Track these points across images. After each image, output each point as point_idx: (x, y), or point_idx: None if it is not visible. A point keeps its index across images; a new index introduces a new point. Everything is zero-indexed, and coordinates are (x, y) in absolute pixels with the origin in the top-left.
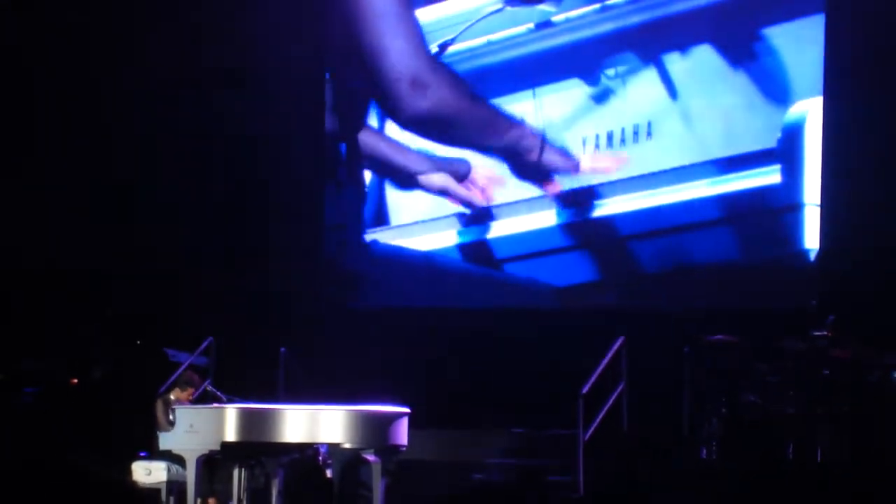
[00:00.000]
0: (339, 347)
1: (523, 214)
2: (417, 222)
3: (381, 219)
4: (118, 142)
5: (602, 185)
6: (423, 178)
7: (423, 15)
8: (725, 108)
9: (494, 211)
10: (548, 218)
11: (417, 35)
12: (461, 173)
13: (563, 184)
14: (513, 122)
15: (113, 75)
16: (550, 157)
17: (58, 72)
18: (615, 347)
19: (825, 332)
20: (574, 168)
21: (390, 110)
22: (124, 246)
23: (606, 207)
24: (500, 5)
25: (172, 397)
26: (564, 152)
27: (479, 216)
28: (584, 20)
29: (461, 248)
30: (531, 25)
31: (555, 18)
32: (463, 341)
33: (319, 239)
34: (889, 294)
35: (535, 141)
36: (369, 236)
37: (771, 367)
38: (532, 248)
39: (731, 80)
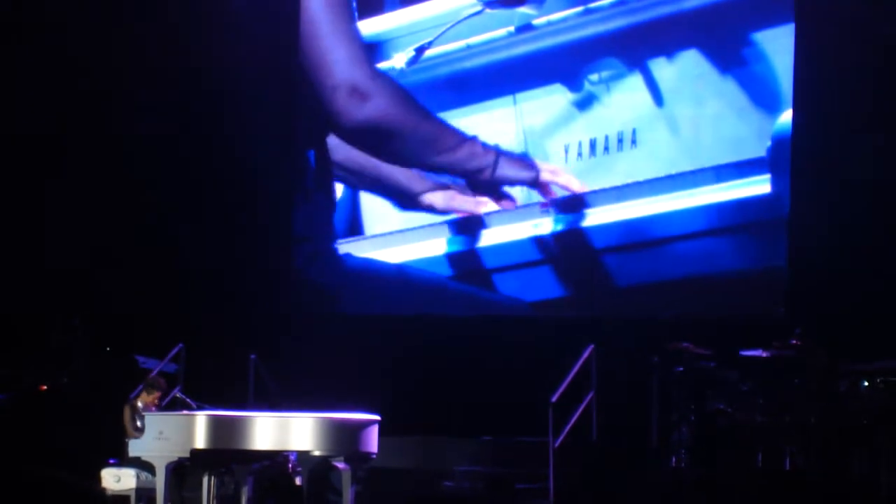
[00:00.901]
0: (310, 354)
1: (495, 226)
2: (395, 232)
3: (356, 229)
4: (86, 149)
5: (584, 194)
6: (426, 197)
7: (399, 17)
8: (713, 115)
9: (486, 219)
10: (517, 231)
11: (357, 44)
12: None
13: (522, 198)
14: (463, 139)
15: (72, 88)
16: (507, 172)
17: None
18: (585, 356)
19: (794, 341)
20: (533, 180)
21: (329, 121)
22: (94, 253)
23: (586, 219)
24: (479, 7)
25: (139, 403)
26: (524, 161)
27: (468, 224)
28: (566, 23)
29: (449, 257)
30: (511, 29)
31: (536, 21)
32: (433, 349)
33: (289, 247)
34: (857, 303)
35: (487, 158)
36: (344, 248)
37: (740, 375)
38: (504, 261)
39: (720, 86)
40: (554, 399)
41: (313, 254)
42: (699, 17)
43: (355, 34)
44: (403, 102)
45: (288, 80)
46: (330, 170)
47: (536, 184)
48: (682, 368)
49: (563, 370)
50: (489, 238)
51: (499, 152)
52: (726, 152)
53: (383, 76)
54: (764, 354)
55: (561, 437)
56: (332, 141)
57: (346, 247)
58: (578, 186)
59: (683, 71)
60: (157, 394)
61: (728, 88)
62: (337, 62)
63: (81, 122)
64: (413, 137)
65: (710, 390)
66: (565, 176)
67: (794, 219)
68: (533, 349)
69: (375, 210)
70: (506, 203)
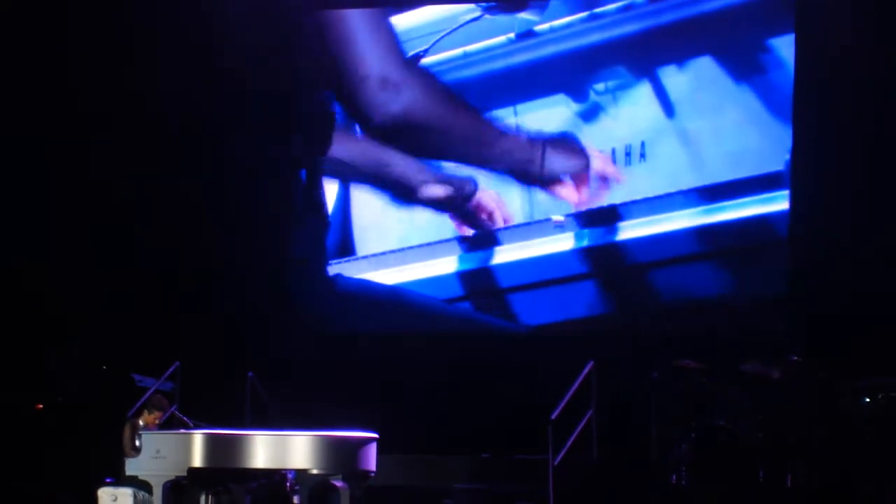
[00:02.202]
0: (308, 372)
1: (507, 244)
2: (402, 249)
3: (347, 249)
4: (78, 171)
5: (585, 212)
6: (425, 190)
7: (394, 23)
8: (728, 126)
9: (499, 236)
10: (518, 251)
11: (388, 34)
12: (466, 192)
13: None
14: (503, 132)
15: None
16: (557, 163)
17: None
18: (585, 373)
19: (795, 357)
20: (584, 168)
21: (357, 114)
22: (91, 272)
23: (584, 240)
24: (478, 13)
25: (140, 422)
26: (573, 145)
27: (480, 241)
28: (570, 30)
29: (460, 275)
30: (512, 35)
31: (538, 28)
32: (432, 366)
33: (285, 266)
34: (859, 317)
35: (532, 150)
36: (346, 268)
37: (740, 391)
38: (501, 283)
39: (735, 95)
40: (554, 416)
41: (307, 273)
42: (712, 21)
43: (387, 24)
44: (439, 94)
45: (282, 100)
46: (322, 190)
47: (587, 170)
48: (682, 385)
49: (563, 387)
50: (503, 256)
51: (544, 140)
52: (742, 166)
53: (417, 66)
54: (764, 370)
55: (561, 455)
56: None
57: (347, 267)
58: (619, 180)
59: (696, 79)
60: (158, 413)
61: (744, 98)
62: (367, 52)
63: (72, 149)
64: (452, 131)
65: (710, 406)
66: (613, 168)
67: (794, 236)
68: (532, 366)
69: (368, 229)
70: (566, 191)
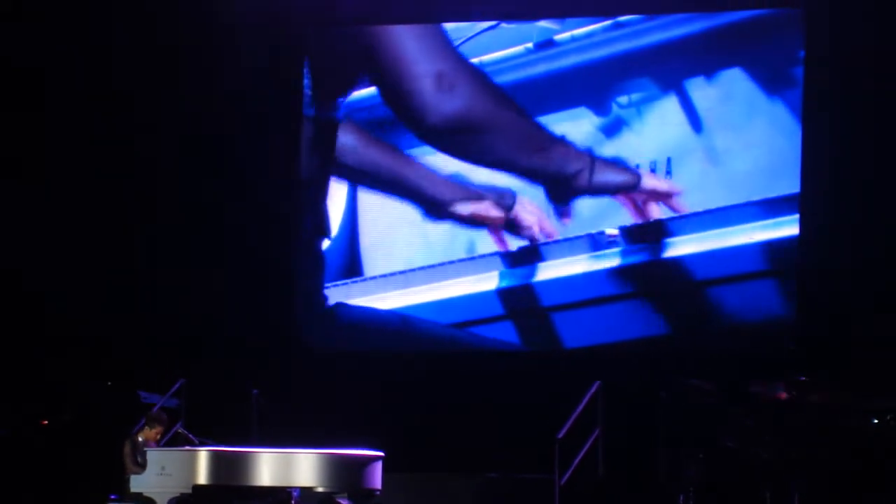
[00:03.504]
0: (313, 390)
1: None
2: (439, 265)
3: (355, 269)
4: (98, 191)
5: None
6: (458, 207)
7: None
8: (759, 142)
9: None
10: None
11: (439, 32)
12: (505, 204)
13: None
14: (554, 139)
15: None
16: (605, 176)
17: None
18: (591, 392)
19: (803, 377)
20: (633, 185)
21: (412, 116)
22: (97, 289)
23: (603, 262)
24: (494, 21)
25: (140, 438)
26: (620, 165)
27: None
28: (592, 39)
29: (499, 294)
30: (530, 45)
31: (558, 37)
32: (438, 385)
33: (291, 286)
34: (867, 338)
35: (582, 160)
36: (344, 290)
37: (748, 411)
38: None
39: (766, 109)
40: (560, 435)
41: (313, 292)
42: (742, 31)
43: (439, 29)
44: (492, 94)
45: (289, 122)
46: (326, 210)
47: (636, 189)
48: (689, 405)
49: (570, 406)
50: (546, 272)
51: (593, 156)
52: (774, 184)
53: (471, 65)
54: (771, 391)
55: (567, 474)
56: (347, 140)
57: (356, 288)
58: (678, 192)
59: (725, 92)
60: (158, 429)
61: (776, 112)
62: (420, 49)
63: (81, 164)
64: (504, 134)
65: (718, 427)
66: (667, 182)
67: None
68: (539, 385)
69: (375, 249)
70: (628, 202)
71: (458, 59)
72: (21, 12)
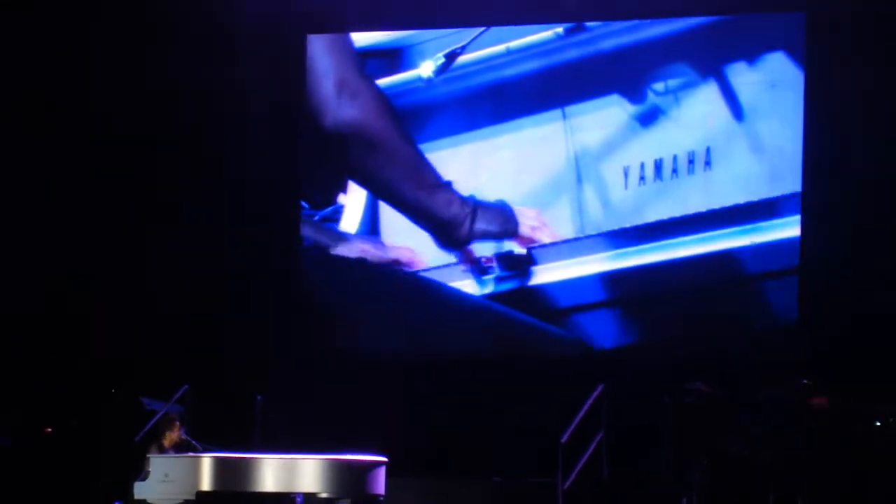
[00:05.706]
0: (316, 395)
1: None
2: (437, 268)
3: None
4: (98, 195)
5: (649, 225)
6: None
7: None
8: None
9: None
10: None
11: (348, 44)
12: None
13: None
14: (440, 181)
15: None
16: (484, 225)
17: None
18: (595, 395)
19: (807, 382)
20: (511, 234)
21: (315, 111)
22: (99, 295)
23: (605, 263)
24: (495, 25)
25: (166, 443)
26: (504, 212)
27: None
28: (625, 23)
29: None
30: (560, 30)
31: (589, 22)
32: (441, 389)
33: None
34: (871, 341)
35: (464, 209)
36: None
37: (752, 416)
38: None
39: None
40: (564, 439)
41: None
42: (786, 15)
43: (346, 38)
44: (390, 117)
45: (289, 129)
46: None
47: (514, 237)
48: (693, 408)
49: (573, 410)
50: (548, 275)
51: (476, 203)
52: (774, 184)
53: (372, 82)
54: (775, 395)
55: (571, 478)
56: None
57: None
58: (552, 237)
59: (767, 78)
60: (176, 426)
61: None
62: (326, 51)
63: (81, 165)
64: (394, 159)
65: (722, 430)
66: (547, 231)
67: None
68: (542, 389)
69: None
70: (468, 256)
71: (364, 73)
72: (21, 13)
